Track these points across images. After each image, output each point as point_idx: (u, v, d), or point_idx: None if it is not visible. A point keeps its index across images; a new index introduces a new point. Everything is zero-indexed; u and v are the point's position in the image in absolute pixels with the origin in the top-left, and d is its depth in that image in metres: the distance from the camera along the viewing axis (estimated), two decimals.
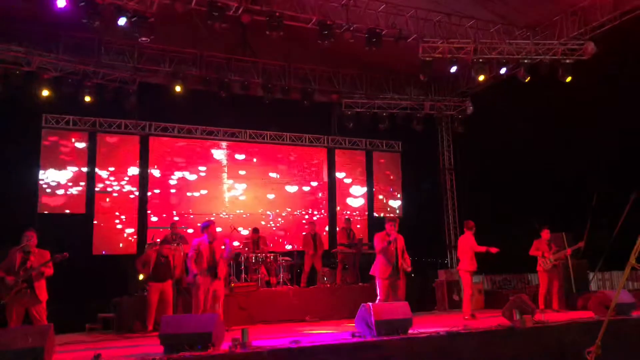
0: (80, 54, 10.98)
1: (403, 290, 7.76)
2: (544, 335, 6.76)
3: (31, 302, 6.56)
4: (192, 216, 12.84)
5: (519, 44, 11.04)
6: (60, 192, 11.79)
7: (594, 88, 10.77)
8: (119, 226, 12.24)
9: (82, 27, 9.18)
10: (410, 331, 6.50)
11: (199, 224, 11.70)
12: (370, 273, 7.86)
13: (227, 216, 13.29)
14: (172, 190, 12.91)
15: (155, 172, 12.81)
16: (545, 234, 9.54)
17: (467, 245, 9.10)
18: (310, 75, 13.11)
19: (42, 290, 6.67)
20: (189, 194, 13.09)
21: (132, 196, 12.48)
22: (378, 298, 7.58)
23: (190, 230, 12.50)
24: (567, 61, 10.76)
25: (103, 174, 12.25)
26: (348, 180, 15.01)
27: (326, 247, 13.23)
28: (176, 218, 12.53)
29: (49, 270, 6.74)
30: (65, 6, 8.26)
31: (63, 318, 7.34)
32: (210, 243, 7.80)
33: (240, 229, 12.71)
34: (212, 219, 8.17)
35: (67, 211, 11.78)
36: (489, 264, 11.59)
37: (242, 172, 13.72)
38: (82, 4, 8.36)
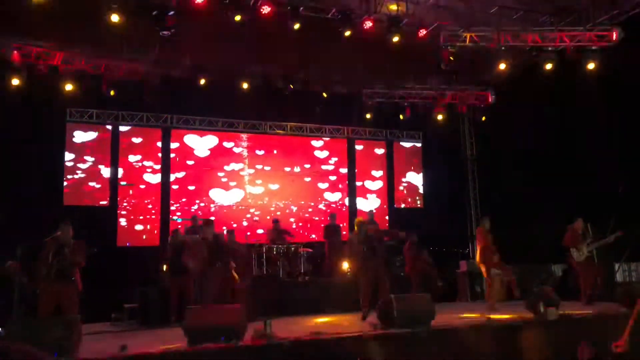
0: (103, 48, 11.09)
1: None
2: (569, 328, 6.67)
3: (63, 292, 6.68)
4: (213, 208, 12.93)
5: (543, 31, 10.81)
6: (85, 185, 11.99)
7: (621, 74, 10.50)
8: (142, 218, 12.40)
9: (105, 21, 9.25)
10: (432, 323, 6.48)
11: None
12: None
13: (247, 208, 13.38)
14: (194, 183, 13.02)
15: (177, 165, 12.93)
16: (578, 224, 9.37)
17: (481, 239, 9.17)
18: (330, 66, 13.01)
19: (75, 281, 6.80)
20: (210, 186, 13.19)
21: (154, 189, 12.63)
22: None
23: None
24: (593, 47, 10.50)
25: (126, 166, 12.41)
26: (368, 171, 14.95)
27: (345, 238, 13.25)
28: (199, 212, 12.65)
29: (82, 262, 6.89)
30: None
31: (89, 308, 7.46)
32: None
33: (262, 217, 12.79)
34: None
35: (92, 204, 11.99)
36: (511, 254, 11.45)
37: (262, 164, 13.77)
38: None
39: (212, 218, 11.04)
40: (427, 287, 9.98)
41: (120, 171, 12.32)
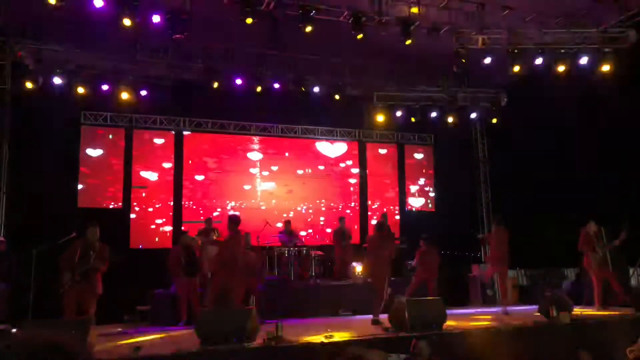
0: (117, 51, 11.21)
1: None
2: (582, 333, 6.61)
3: (85, 294, 6.77)
4: (231, 210, 12.98)
5: (556, 34, 10.74)
6: (98, 187, 12.10)
7: (634, 77, 10.40)
8: (155, 221, 12.49)
9: (118, 25, 9.36)
10: (444, 326, 6.46)
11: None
12: None
13: (259, 211, 13.41)
14: (207, 185, 13.09)
15: (190, 168, 13.01)
16: (590, 227, 9.27)
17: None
18: (342, 69, 13.05)
19: (97, 284, 6.89)
20: (223, 188, 13.25)
21: (167, 191, 12.71)
22: None
23: None
24: (607, 50, 10.42)
25: (139, 169, 12.51)
26: (380, 174, 14.93)
27: (357, 240, 13.23)
28: (216, 213, 12.71)
29: (104, 268, 6.99)
30: (102, 5, 8.44)
31: (103, 309, 7.55)
32: None
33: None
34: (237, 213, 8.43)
35: (105, 206, 12.09)
36: (524, 258, 11.37)
37: (274, 166, 13.81)
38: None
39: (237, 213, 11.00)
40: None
41: (133, 173, 12.41)
